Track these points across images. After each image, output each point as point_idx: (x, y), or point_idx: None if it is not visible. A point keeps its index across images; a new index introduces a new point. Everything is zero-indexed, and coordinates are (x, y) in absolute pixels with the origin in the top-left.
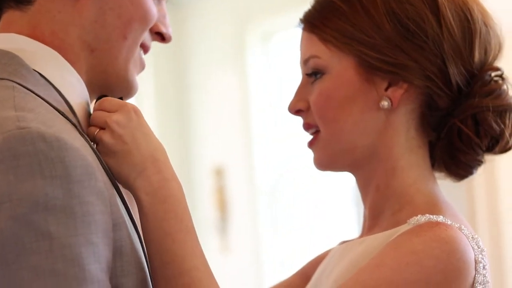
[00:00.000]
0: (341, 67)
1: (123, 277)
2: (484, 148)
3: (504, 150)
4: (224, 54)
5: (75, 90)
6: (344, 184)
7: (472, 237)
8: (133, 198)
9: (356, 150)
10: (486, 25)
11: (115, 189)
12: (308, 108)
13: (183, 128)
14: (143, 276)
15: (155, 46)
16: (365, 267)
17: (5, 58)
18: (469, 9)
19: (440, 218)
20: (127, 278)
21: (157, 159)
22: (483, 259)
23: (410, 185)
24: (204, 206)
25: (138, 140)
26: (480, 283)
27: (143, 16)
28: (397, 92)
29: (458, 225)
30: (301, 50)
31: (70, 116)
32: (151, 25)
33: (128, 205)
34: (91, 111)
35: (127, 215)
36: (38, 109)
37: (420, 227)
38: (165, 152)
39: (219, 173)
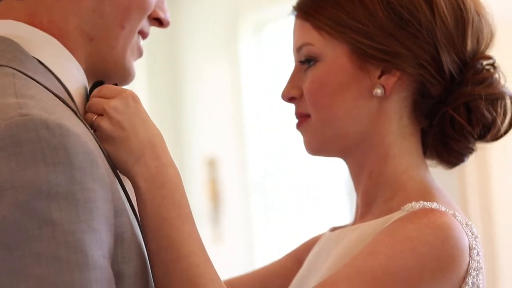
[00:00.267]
0: (334, 54)
1: (123, 263)
2: (476, 136)
3: (496, 138)
4: (217, 44)
5: (73, 77)
6: (336, 174)
7: (466, 224)
8: (131, 184)
9: (348, 136)
10: (478, 14)
11: (115, 176)
12: (301, 96)
13: (176, 119)
14: (143, 262)
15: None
16: (360, 254)
17: (4, 45)
18: None
19: (434, 205)
20: (127, 265)
21: (155, 145)
22: (477, 245)
23: (403, 172)
24: (196, 197)
25: (136, 126)
26: (474, 269)
27: (141, 4)
28: (390, 79)
29: (452, 211)
30: (294, 37)
31: (70, 102)
32: (149, 13)
33: (128, 191)
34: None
35: (126, 201)
36: (39, 96)
37: (414, 214)
38: (163, 138)
39: (211, 164)
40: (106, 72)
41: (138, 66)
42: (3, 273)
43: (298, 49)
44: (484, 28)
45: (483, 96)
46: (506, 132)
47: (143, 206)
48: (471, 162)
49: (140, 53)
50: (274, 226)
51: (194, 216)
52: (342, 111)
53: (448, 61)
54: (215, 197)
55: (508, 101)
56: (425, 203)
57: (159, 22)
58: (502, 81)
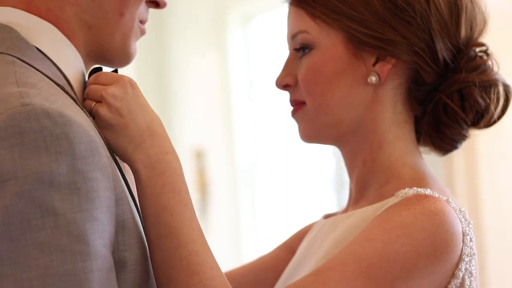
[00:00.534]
0: (329, 42)
1: (125, 251)
2: (469, 123)
3: (489, 124)
4: (205, 36)
5: (72, 63)
6: (324, 166)
7: (459, 210)
8: (131, 172)
9: (343, 124)
10: (471, 1)
11: (115, 163)
12: (296, 83)
13: (164, 110)
14: (144, 249)
15: None
16: (355, 240)
17: (3, 32)
18: None
19: (428, 191)
20: (129, 252)
21: (154, 131)
22: (470, 231)
23: (397, 159)
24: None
25: (134, 113)
26: (467, 255)
27: None
28: (385, 67)
29: (446, 198)
30: (288, 25)
31: (69, 90)
32: None
33: (127, 179)
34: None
35: (126, 189)
36: (39, 84)
37: (408, 200)
38: (162, 124)
39: (199, 155)
40: (106, 57)
41: None
42: (6, 263)
43: (292, 37)
44: (477, 16)
45: (477, 83)
46: (499, 118)
47: (143, 193)
48: (458, 151)
49: (142, 33)
50: (261, 217)
51: None
52: (337, 99)
53: (442, 48)
54: (203, 188)
55: (501, 88)
56: (419, 189)
57: (156, 4)
58: (495, 68)
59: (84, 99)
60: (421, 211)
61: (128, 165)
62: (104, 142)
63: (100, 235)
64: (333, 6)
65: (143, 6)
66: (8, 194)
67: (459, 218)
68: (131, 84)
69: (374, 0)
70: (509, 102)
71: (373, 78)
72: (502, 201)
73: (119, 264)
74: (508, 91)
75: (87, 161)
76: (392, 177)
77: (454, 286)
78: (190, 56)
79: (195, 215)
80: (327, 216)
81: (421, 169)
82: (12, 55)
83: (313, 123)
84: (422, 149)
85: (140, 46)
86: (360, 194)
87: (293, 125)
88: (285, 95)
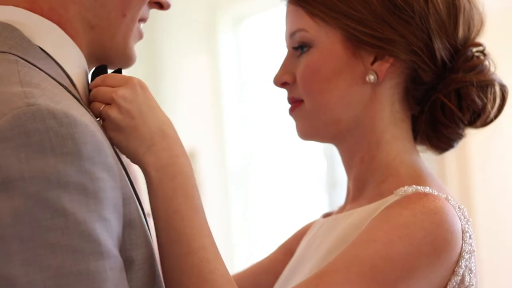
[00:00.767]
0: (328, 41)
1: (132, 250)
2: (466, 122)
3: (485, 123)
4: (196, 38)
5: (75, 63)
6: (315, 166)
7: (458, 207)
8: (134, 171)
9: (341, 122)
10: (469, 2)
11: (120, 162)
12: (294, 81)
13: None
14: (151, 248)
15: None
16: (357, 241)
17: (6, 31)
18: None
19: (427, 189)
20: (137, 251)
21: (166, 133)
22: (469, 228)
23: (394, 157)
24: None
25: (145, 115)
26: (467, 252)
27: None
28: (383, 66)
29: (445, 195)
30: (286, 23)
31: (72, 89)
32: None
33: (131, 178)
34: (89, 82)
35: (131, 188)
36: (43, 84)
37: (408, 199)
38: (173, 126)
39: (190, 157)
40: (108, 58)
41: None
42: (17, 265)
43: (291, 35)
44: (475, 16)
45: (474, 83)
46: (495, 117)
47: (154, 196)
48: (451, 150)
49: (140, 37)
50: (252, 218)
51: None
52: (336, 97)
53: (440, 48)
54: None
55: (497, 88)
56: (418, 187)
57: (159, 5)
58: (492, 68)
59: (88, 100)
60: (421, 210)
61: (139, 167)
62: (110, 142)
63: (109, 235)
64: (332, 4)
65: (145, 6)
66: (16, 195)
67: (458, 216)
68: (141, 85)
69: None
70: (505, 102)
71: (371, 77)
72: (495, 200)
73: (126, 263)
74: (505, 91)
75: (93, 162)
76: (390, 175)
77: (455, 283)
78: (181, 58)
79: (207, 221)
80: (326, 215)
81: (419, 167)
82: (15, 54)
83: (311, 121)
84: (418, 147)
85: None
86: (358, 192)
87: (284, 127)
88: (277, 96)
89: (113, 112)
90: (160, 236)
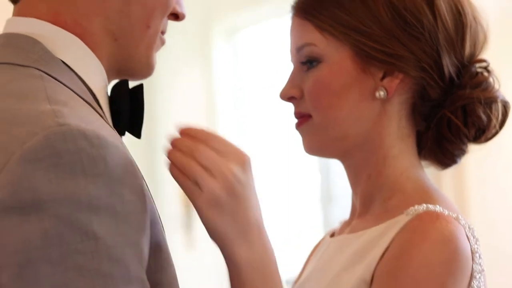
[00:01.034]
0: (338, 56)
1: (159, 272)
2: (471, 138)
3: (488, 139)
4: (190, 50)
5: (97, 77)
6: (310, 180)
7: (468, 228)
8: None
9: (349, 138)
10: (475, 19)
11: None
12: (301, 96)
13: (148, 124)
14: (174, 270)
15: None
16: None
17: (28, 44)
18: (460, 2)
19: (438, 208)
20: (161, 274)
21: (261, 226)
22: (478, 248)
23: (401, 173)
24: (169, 202)
25: (248, 200)
26: (477, 272)
27: (165, 3)
28: (393, 82)
29: (455, 214)
30: (292, 36)
31: (96, 106)
32: (171, 10)
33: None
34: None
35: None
36: (71, 102)
37: (421, 222)
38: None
39: None
40: (129, 70)
41: None
42: (46, 287)
43: (298, 49)
44: (480, 33)
45: (482, 100)
46: (496, 133)
47: (241, 285)
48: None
49: (162, 43)
50: None
51: (166, 221)
52: (345, 113)
53: (448, 65)
54: (187, 203)
55: (500, 105)
56: (429, 206)
57: (175, 16)
58: (496, 85)
59: (182, 154)
60: (438, 240)
61: (225, 250)
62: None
63: (138, 259)
64: (341, 19)
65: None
66: (46, 217)
67: (467, 236)
68: (250, 165)
69: (383, 15)
70: (507, 118)
71: (381, 93)
72: (491, 214)
73: (152, 287)
74: (508, 107)
75: (124, 184)
76: (397, 191)
77: None
78: (175, 71)
79: None
80: (333, 234)
81: (425, 183)
82: (39, 69)
83: (319, 137)
84: (423, 163)
85: None
86: (365, 208)
87: (278, 141)
88: (271, 109)
89: (216, 186)
90: None
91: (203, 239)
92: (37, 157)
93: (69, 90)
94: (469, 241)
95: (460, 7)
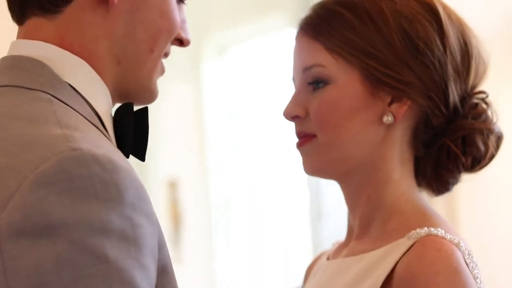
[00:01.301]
0: (347, 78)
1: None
2: (467, 168)
3: (481, 168)
4: (180, 67)
5: (103, 100)
6: (299, 199)
7: (468, 254)
8: None
9: (351, 160)
10: (479, 51)
11: None
12: (306, 115)
13: None
14: None
15: None
16: None
17: (36, 67)
18: (466, 33)
19: (440, 232)
20: None
21: None
22: (478, 273)
23: (400, 196)
24: (157, 218)
25: None
26: None
27: (170, 28)
28: (401, 108)
29: (457, 240)
30: (300, 56)
31: (102, 130)
32: (175, 35)
33: None
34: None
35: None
36: (80, 126)
37: (427, 251)
38: None
39: (172, 185)
40: (130, 93)
41: None
42: None
43: (305, 69)
44: (481, 64)
45: (484, 131)
46: (487, 163)
47: None
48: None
49: (162, 72)
50: (235, 248)
51: None
52: (350, 135)
53: (454, 94)
54: (176, 219)
55: (494, 137)
56: (431, 229)
57: (180, 41)
58: (494, 118)
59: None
60: (450, 272)
61: None
62: None
63: (147, 282)
64: (352, 41)
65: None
66: (59, 241)
67: (467, 263)
68: None
69: (396, 41)
70: (499, 149)
71: (389, 118)
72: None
73: None
74: (501, 140)
75: (134, 208)
76: (395, 213)
77: None
78: (165, 87)
79: None
80: (329, 257)
81: (422, 205)
82: (47, 93)
83: (321, 157)
84: None
85: None
86: (364, 230)
87: (268, 157)
88: (260, 127)
89: None
90: None
91: (192, 256)
92: (50, 181)
93: (78, 113)
94: (468, 268)
95: (467, 39)
